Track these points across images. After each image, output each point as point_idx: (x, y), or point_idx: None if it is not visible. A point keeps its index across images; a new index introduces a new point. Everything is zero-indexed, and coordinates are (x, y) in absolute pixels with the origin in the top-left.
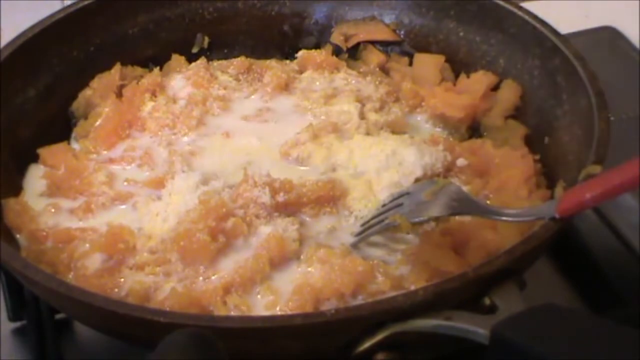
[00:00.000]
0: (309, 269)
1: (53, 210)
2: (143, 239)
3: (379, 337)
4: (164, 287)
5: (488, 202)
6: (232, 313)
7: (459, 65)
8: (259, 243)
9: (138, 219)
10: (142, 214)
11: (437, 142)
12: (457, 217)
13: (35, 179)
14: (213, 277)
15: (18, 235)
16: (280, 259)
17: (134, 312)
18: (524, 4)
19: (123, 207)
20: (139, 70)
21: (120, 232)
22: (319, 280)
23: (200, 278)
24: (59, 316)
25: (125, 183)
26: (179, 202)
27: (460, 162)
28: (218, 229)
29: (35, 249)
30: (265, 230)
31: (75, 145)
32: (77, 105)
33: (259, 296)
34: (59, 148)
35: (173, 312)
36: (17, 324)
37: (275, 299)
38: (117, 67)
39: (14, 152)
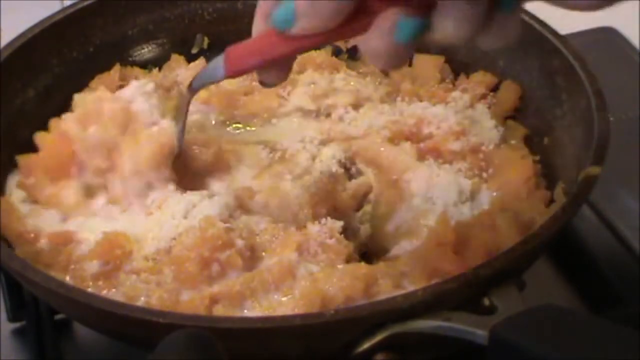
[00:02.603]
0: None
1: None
2: (138, 245)
3: (379, 337)
4: (154, 294)
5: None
6: None
7: (458, 66)
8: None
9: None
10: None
11: None
12: (456, 219)
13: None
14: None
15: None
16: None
17: (134, 313)
18: (524, 4)
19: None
20: (138, 71)
21: (115, 238)
22: (324, 285)
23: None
24: (58, 317)
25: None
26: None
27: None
28: (212, 259)
29: (28, 250)
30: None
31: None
32: None
33: (246, 310)
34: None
35: (173, 312)
36: (17, 325)
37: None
38: (117, 68)
39: (14, 152)
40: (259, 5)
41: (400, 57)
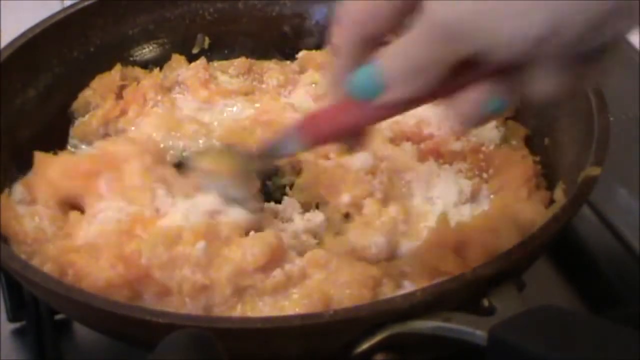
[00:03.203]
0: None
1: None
2: None
3: (378, 338)
4: None
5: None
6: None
7: None
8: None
9: None
10: None
11: None
12: (456, 219)
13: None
14: None
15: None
16: None
17: (134, 313)
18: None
19: None
20: (138, 71)
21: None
22: (330, 289)
23: None
24: (58, 317)
25: None
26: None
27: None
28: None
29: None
30: None
31: (74, 141)
32: (77, 105)
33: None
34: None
35: (173, 312)
36: (17, 325)
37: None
38: (117, 68)
39: (14, 153)
40: (333, 65)
41: (482, 122)
